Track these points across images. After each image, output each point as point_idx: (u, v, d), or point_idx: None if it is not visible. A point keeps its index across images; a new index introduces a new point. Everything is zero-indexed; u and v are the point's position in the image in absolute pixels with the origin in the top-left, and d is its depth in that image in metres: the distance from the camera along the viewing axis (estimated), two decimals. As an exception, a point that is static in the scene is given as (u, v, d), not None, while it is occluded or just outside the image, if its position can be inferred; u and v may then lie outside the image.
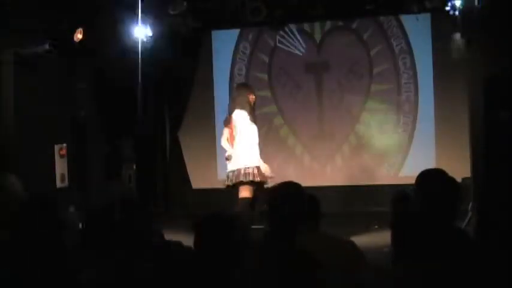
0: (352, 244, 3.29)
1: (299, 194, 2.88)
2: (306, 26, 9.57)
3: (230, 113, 6.75)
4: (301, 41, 9.58)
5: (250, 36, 9.77)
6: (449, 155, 8.58)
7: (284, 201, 2.85)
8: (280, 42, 9.66)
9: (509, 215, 5.84)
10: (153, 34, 8.28)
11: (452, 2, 7.35)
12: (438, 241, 2.69)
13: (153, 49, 8.70)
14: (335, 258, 3.04)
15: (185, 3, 7.97)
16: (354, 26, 9.40)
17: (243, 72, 9.76)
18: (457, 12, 7.35)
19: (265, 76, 9.70)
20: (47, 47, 6.98)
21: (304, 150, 9.62)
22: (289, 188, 2.97)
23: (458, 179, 7.40)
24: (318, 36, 9.57)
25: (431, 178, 2.88)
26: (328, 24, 9.51)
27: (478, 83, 7.07)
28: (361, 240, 3.52)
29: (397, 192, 3.18)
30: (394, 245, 2.70)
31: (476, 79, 7.12)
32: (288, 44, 9.63)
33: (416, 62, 9.23)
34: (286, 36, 9.61)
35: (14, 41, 7.10)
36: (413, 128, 9.25)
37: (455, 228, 2.79)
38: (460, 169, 7.74)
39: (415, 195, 2.84)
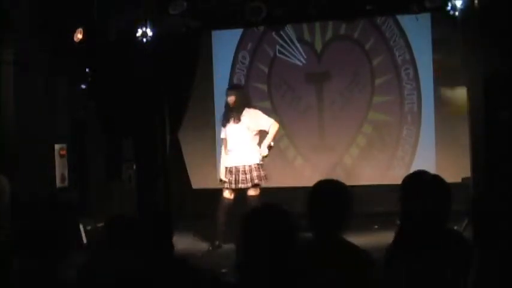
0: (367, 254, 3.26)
1: (341, 192, 2.82)
2: (307, 36, 9.40)
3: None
4: (301, 50, 9.37)
5: (249, 46, 9.60)
6: (449, 155, 8.55)
7: (326, 200, 2.78)
8: (280, 52, 9.47)
9: (509, 216, 5.82)
10: (153, 34, 8.28)
11: (452, 2, 7.34)
12: (429, 243, 2.68)
13: (153, 49, 8.70)
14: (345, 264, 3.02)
15: (185, 3, 7.95)
16: (356, 35, 9.19)
17: (242, 82, 9.55)
18: (457, 13, 7.35)
19: (264, 87, 9.48)
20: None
21: (304, 162, 9.41)
22: (331, 186, 2.88)
23: (458, 179, 7.47)
24: (318, 46, 9.35)
25: (413, 179, 2.88)
26: (329, 33, 9.32)
27: (478, 83, 7.08)
28: (361, 240, 3.51)
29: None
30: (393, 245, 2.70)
31: (476, 79, 7.12)
32: (288, 54, 9.44)
33: (420, 73, 8.99)
34: (286, 46, 9.43)
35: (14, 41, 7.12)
36: (417, 141, 9.03)
37: (446, 229, 2.79)
38: (460, 169, 7.76)
39: (399, 199, 2.84)
